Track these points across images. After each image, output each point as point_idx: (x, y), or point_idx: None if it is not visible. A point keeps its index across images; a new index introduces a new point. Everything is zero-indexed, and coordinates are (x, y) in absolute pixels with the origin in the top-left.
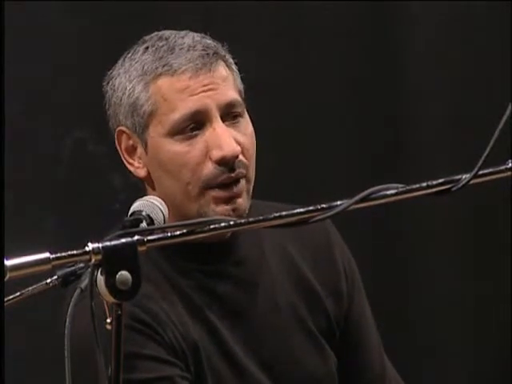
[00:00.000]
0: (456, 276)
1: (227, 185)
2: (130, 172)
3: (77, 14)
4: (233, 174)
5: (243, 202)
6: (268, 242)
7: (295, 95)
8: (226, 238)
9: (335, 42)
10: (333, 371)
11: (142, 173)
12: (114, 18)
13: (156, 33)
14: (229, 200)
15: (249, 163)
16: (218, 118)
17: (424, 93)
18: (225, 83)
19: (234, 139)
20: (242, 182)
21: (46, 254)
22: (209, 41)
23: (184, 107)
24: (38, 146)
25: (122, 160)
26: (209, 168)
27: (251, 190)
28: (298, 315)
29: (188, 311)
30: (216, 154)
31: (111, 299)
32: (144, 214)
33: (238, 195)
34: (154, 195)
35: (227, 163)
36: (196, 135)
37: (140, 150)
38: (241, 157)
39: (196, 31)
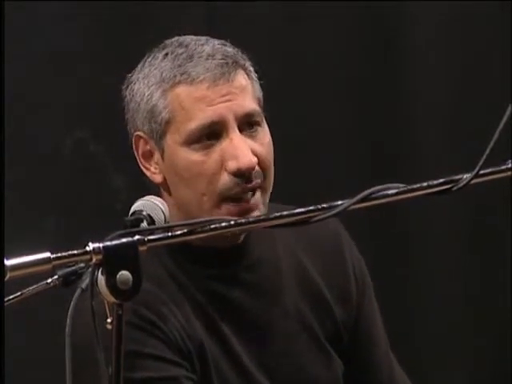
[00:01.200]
0: (456, 276)
1: (242, 197)
2: (147, 177)
3: (77, 14)
4: (249, 185)
5: (258, 213)
6: (279, 245)
7: (295, 95)
8: (238, 243)
9: (335, 41)
10: (338, 378)
11: (158, 178)
12: (114, 18)
13: (177, 38)
14: (243, 213)
15: (266, 173)
16: (236, 129)
17: (424, 93)
18: (243, 93)
19: (251, 149)
20: (258, 193)
21: (47, 254)
22: (229, 49)
23: (201, 117)
24: (38, 146)
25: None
26: (225, 179)
27: (268, 199)
28: (304, 321)
29: (195, 314)
30: (232, 165)
31: (112, 299)
32: (145, 213)
33: (254, 208)
34: (169, 201)
35: (243, 175)
36: (213, 145)
37: (157, 156)
38: (257, 167)
39: (197, 31)
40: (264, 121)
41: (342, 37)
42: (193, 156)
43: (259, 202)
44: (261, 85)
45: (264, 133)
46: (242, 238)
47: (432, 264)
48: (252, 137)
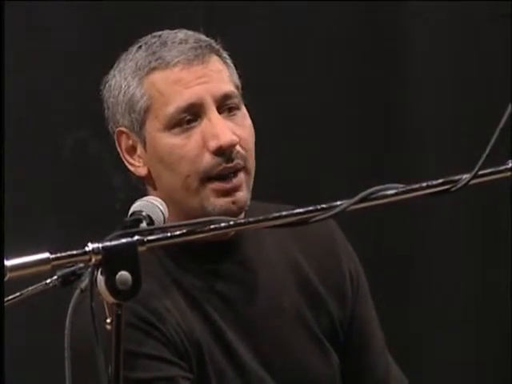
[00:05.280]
0: (456, 276)
1: (226, 176)
2: (131, 173)
3: (77, 14)
4: (231, 164)
5: (243, 194)
6: (272, 242)
7: (295, 95)
8: (228, 238)
9: (335, 41)
10: (335, 372)
11: (142, 172)
12: (114, 18)
13: (151, 34)
14: (229, 192)
15: (247, 155)
16: (214, 109)
17: (424, 93)
18: (219, 75)
19: (230, 131)
20: (241, 174)
21: (46, 254)
22: (202, 36)
23: (179, 100)
24: (38, 146)
25: (122, 161)
26: (207, 159)
27: (251, 183)
28: (300, 316)
29: (191, 310)
30: (213, 143)
31: (111, 299)
32: (144, 214)
33: (238, 188)
34: (155, 195)
35: (224, 153)
36: (193, 127)
37: (140, 149)
38: (238, 148)
39: (195, 31)
40: (243, 105)
41: (343, 37)
42: (174, 140)
43: (242, 182)
44: (261, 84)
45: (243, 116)
46: (232, 232)
47: (432, 264)
48: (231, 119)
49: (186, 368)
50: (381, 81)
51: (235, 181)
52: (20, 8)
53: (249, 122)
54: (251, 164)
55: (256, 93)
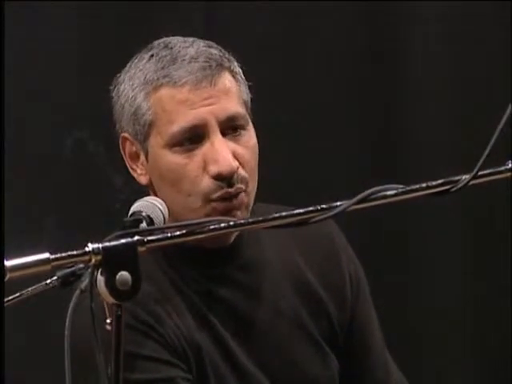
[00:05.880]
0: (456, 276)
1: (226, 199)
2: (134, 178)
3: (77, 14)
4: (231, 190)
5: (241, 215)
6: (271, 245)
7: (295, 95)
8: (229, 243)
9: (335, 41)
10: (334, 376)
11: (144, 180)
12: (114, 18)
13: (164, 39)
14: (226, 212)
15: (249, 176)
16: (217, 132)
17: (424, 93)
18: (227, 96)
19: (233, 152)
20: (241, 195)
21: (46, 255)
22: (214, 51)
23: (183, 120)
24: (38, 146)
25: (125, 165)
26: (207, 182)
27: (251, 204)
28: (299, 320)
29: (191, 314)
30: (213, 169)
31: (111, 300)
32: (144, 214)
33: (237, 208)
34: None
35: (224, 179)
36: (194, 148)
37: (142, 158)
38: (240, 171)
39: (196, 31)
40: (250, 123)
41: (342, 36)
42: (175, 159)
43: (242, 204)
44: (261, 85)
45: (249, 136)
46: (232, 238)
47: (432, 264)
48: (235, 139)
49: (186, 369)
50: (381, 81)
51: (235, 202)
52: (20, 8)
53: (253, 141)
54: (252, 186)
55: (256, 93)
